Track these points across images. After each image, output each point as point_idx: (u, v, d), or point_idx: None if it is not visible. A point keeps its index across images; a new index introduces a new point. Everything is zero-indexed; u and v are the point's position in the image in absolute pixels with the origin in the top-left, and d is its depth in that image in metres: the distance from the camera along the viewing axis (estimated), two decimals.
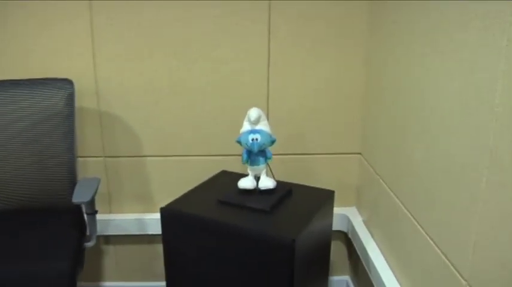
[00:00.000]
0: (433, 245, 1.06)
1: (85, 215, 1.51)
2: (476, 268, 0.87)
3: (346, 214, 1.76)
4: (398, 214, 1.31)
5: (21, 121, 1.49)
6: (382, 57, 1.47)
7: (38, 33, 1.60)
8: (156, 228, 1.75)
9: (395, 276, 1.34)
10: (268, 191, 1.40)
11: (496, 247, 0.80)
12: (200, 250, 1.31)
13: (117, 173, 1.76)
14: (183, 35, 1.61)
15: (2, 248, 1.34)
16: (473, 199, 0.88)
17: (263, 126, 1.35)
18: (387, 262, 1.42)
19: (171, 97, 1.68)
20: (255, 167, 1.39)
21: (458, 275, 0.94)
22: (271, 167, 1.51)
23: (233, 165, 1.72)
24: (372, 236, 1.58)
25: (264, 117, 1.36)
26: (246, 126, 1.37)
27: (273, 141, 1.37)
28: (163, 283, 1.43)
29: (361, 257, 1.58)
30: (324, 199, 1.42)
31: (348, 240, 1.81)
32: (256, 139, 1.33)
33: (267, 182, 1.39)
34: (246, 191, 1.41)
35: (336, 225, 1.72)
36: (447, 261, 0.99)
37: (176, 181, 1.77)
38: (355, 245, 1.68)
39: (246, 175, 1.42)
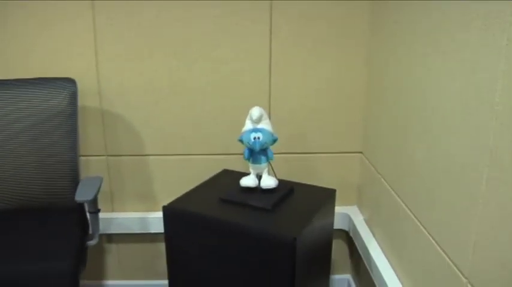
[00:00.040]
0: (434, 243, 1.07)
1: (88, 214, 1.52)
2: (477, 266, 0.87)
3: (347, 213, 1.77)
4: (400, 213, 1.31)
5: (24, 120, 1.50)
6: (383, 57, 1.47)
7: (38, 33, 1.61)
8: (158, 226, 1.76)
9: (397, 275, 1.34)
10: (270, 190, 1.40)
11: (495, 246, 0.81)
12: (202, 248, 1.32)
13: (120, 172, 1.77)
14: (184, 35, 1.62)
15: (5, 247, 1.35)
16: (473, 198, 0.88)
17: (265, 125, 1.36)
18: (388, 260, 1.42)
19: (173, 97, 1.68)
20: (257, 165, 1.40)
21: (459, 273, 0.94)
22: (273, 165, 1.51)
23: (235, 164, 1.72)
24: (373, 234, 1.59)
25: (266, 116, 1.37)
26: (248, 125, 1.37)
27: (274, 140, 1.37)
28: (166, 282, 1.44)
29: (362, 255, 1.59)
30: (325, 197, 1.43)
31: (349, 239, 1.82)
32: (258, 138, 1.33)
33: (268, 181, 1.40)
34: (248, 190, 1.41)
35: (338, 224, 1.73)
36: (448, 259, 0.99)
37: (178, 179, 1.77)
38: (356, 243, 1.68)
39: (247, 174, 1.43)
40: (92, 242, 1.53)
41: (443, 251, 1.02)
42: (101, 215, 1.55)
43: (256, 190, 1.42)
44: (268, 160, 1.40)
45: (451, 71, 0.97)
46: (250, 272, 1.25)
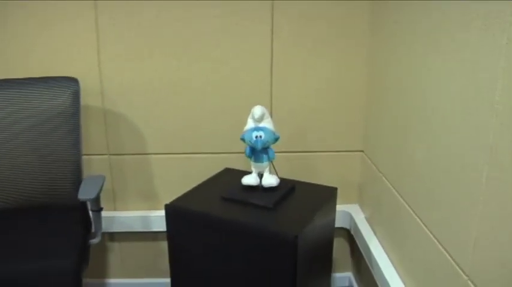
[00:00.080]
0: (435, 242, 1.07)
1: (90, 213, 1.53)
2: (477, 264, 0.88)
3: (348, 211, 1.78)
4: (401, 211, 1.32)
5: (27, 119, 1.50)
6: (383, 56, 1.48)
7: (38, 33, 1.61)
8: (160, 225, 1.77)
9: (398, 273, 1.35)
10: (271, 188, 1.41)
11: (496, 244, 0.81)
12: (204, 246, 1.32)
13: (122, 171, 1.78)
14: (185, 35, 1.62)
15: (8, 245, 1.36)
16: (473, 196, 0.89)
17: (267, 123, 1.36)
18: (389, 258, 1.43)
19: (174, 96, 1.69)
20: (259, 164, 1.40)
21: (459, 271, 0.95)
22: (274, 164, 1.52)
23: (236, 163, 1.73)
24: (375, 233, 1.59)
25: (267, 115, 1.37)
26: (250, 124, 1.38)
27: (276, 139, 1.38)
28: (168, 280, 1.45)
29: (363, 254, 1.59)
30: (326, 196, 1.44)
31: (351, 237, 1.82)
32: (260, 136, 1.34)
33: (270, 180, 1.40)
34: (250, 188, 1.42)
35: (339, 222, 1.73)
36: (449, 257, 1.00)
37: (180, 178, 1.78)
38: (357, 242, 1.69)
39: (249, 173, 1.44)
40: (94, 241, 1.53)
41: (444, 249, 1.03)
42: (104, 213, 1.55)
43: (258, 189, 1.42)
44: (269, 158, 1.40)
45: (451, 71, 0.98)
46: (252, 270, 1.26)
